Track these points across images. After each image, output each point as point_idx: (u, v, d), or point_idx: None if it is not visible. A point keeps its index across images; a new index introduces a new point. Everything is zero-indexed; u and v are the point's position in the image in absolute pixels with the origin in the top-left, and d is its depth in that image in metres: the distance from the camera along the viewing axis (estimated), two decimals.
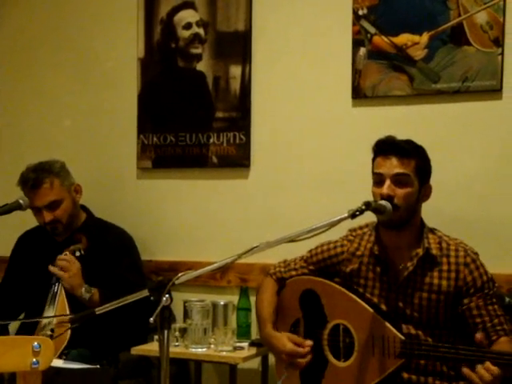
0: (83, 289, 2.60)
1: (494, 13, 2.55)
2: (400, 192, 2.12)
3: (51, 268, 2.62)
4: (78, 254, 2.66)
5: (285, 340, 2.22)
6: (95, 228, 2.82)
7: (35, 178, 2.70)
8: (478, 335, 1.97)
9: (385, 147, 2.18)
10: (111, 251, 2.76)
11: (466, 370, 1.94)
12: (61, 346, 2.51)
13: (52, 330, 2.51)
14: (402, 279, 2.17)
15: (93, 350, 2.58)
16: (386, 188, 2.12)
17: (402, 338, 2.08)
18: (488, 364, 1.91)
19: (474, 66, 2.56)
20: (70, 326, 2.41)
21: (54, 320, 2.54)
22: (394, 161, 2.14)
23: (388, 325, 2.11)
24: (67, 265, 2.60)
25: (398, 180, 2.13)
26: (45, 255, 2.75)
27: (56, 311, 2.57)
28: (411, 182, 2.14)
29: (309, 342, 2.20)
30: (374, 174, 2.19)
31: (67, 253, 2.65)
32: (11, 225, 2.94)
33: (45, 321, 2.56)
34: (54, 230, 2.75)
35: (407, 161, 2.14)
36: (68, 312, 2.55)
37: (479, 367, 1.92)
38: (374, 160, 2.21)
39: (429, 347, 2.04)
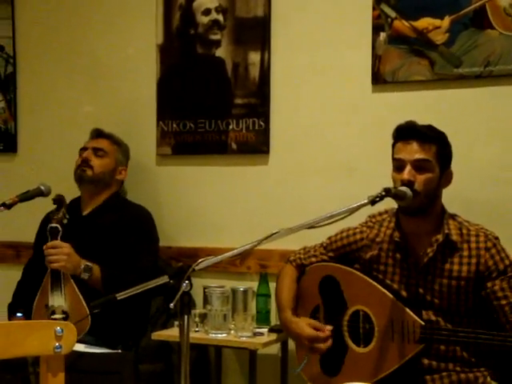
0: (82, 267, 2.61)
1: None
2: (420, 178, 2.11)
3: (47, 265, 2.60)
4: (65, 221, 2.63)
5: (304, 325, 2.22)
6: (119, 203, 2.88)
7: (106, 133, 2.95)
8: None
9: (405, 132, 2.16)
10: (128, 225, 2.79)
11: None
12: (80, 333, 2.53)
13: (64, 313, 2.53)
14: (422, 265, 2.16)
15: (104, 333, 2.60)
16: (407, 173, 2.10)
17: (422, 323, 2.08)
18: None
19: (497, 49, 2.52)
20: (90, 312, 2.44)
21: (64, 304, 2.56)
22: (414, 146, 2.12)
23: (408, 310, 2.11)
24: (56, 252, 2.60)
25: (419, 165, 2.11)
26: (68, 231, 2.77)
27: (65, 295, 2.58)
28: (432, 167, 2.13)
29: (329, 327, 2.20)
30: (394, 159, 2.17)
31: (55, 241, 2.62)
32: (36, 211, 2.97)
33: (50, 303, 2.57)
34: (83, 172, 2.83)
35: (428, 146, 2.12)
36: (79, 294, 2.57)
37: None
38: (394, 145, 2.20)
39: (448, 332, 2.04)
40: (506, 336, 1.95)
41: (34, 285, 2.81)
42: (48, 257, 2.61)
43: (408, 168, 2.11)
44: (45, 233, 2.83)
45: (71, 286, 2.60)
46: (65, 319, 2.47)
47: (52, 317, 2.52)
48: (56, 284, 2.59)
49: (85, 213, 2.86)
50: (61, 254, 2.60)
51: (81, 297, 2.55)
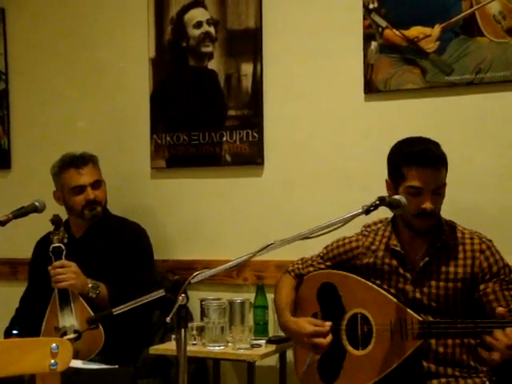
0: (90, 286, 2.60)
1: (506, 2, 2.52)
2: (439, 202, 2.16)
3: (55, 285, 2.59)
4: (65, 240, 2.62)
5: (304, 323, 2.23)
6: (111, 222, 2.85)
7: (82, 157, 2.80)
8: (500, 309, 1.98)
9: (420, 159, 2.13)
10: (123, 244, 2.77)
11: (488, 338, 1.95)
12: (94, 351, 2.52)
13: (76, 332, 2.51)
14: (418, 270, 2.18)
15: (109, 349, 2.59)
16: (430, 203, 2.12)
17: (420, 318, 2.09)
18: (509, 330, 1.92)
19: (488, 57, 2.54)
20: (88, 327, 2.42)
21: (75, 322, 2.55)
22: (431, 174, 2.13)
23: (406, 308, 2.11)
24: (65, 271, 2.59)
25: (437, 192, 2.15)
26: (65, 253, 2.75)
27: (76, 313, 2.57)
28: (444, 188, 2.18)
29: (328, 323, 2.20)
30: (409, 186, 2.13)
31: (62, 261, 2.60)
32: (31, 228, 2.96)
33: (61, 324, 2.56)
34: (93, 211, 2.76)
35: (441, 170, 2.16)
36: (90, 311, 2.55)
37: (499, 332, 1.93)
38: (403, 167, 2.15)
39: (447, 324, 2.05)
40: (503, 322, 1.96)
41: (34, 312, 2.76)
42: (56, 276, 2.58)
43: (429, 197, 2.13)
44: (41, 259, 2.80)
45: (81, 303, 2.58)
46: (77, 339, 2.45)
47: (64, 338, 2.49)
48: (65, 304, 2.57)
49: (77, 235, 2.82)
50: (69, 272, 2.58)
51: (92, 314, 2.52)
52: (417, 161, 2.14)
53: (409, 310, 2.10)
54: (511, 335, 1.92)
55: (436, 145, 2.18)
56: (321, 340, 2.18)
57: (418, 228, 2.18)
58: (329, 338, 2.18)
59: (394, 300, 2.14)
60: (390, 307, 2.13)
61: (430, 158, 2.13)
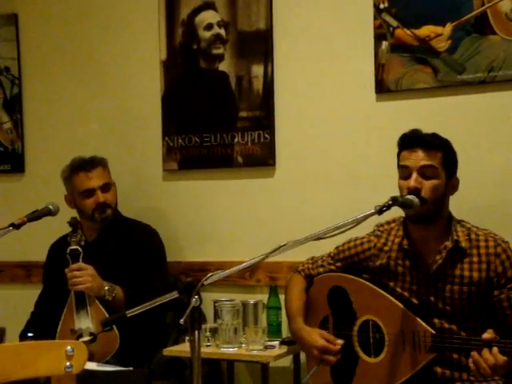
0: (106, 288, 2.62)
1: None
2: (427, 184, 2.11)
3: (71, 288, 2.60)
4: (82, 243, 2.65)
5: (316, 335, 2.22)
6: (122, 225, 2.86)
7: (91, 161, 2.82)
8: (487, 335, 1.94)
9: (410, 140, 2.16)
10: (135, 246, 2.78)
11: (474, 354, 1.93)
12: (109, 354, 2.54)
13: (92, 334, 2.53)
14: (431, 273, 2.16)
15: (123, 351, 2.60)
16: (414, 181, 2.10)
17: (433, 331, 2.06)
18: (495, 350, 1.90)
19: (500, 55, 2.52)
20: (103, 329, 2.43)
21: (91, 325, 2.56)
22: (420, 153, 2.12)
23: (418, 319, 2.09)
24: (82, 274, 2.60)
25: (425, 172, 2.12)
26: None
27: (92, 316, 2.58)
28: (438, 174, 2.13)
29: (340, 341, 2.19)
30: (400, 167, 2.18)
31: (80, 264, 2.62)
32: (45, 230, 2.98)
33: (77, 326, 2.58)
34: (103, 214, 2.78)
35: (433, 153, 2.13)
36: (106, 314, 2.57)
37: (486, 351, 1.91)
38: (399, 154, 2.20)
39: (460, 340, 2.02)
40: None
41: (49, 315, 2.78)
42: (73, 279, 2.60)
43: (414, 175, 2.11)
44: (56, 262, 2.82)
45: (97, 306, 2.59)
46: (92, 341, 2.46)
47: (80, 340, 2.50)
48: (81, 306, 2.59)
49: (90, 239, 2.83)
50: (86, 275, 2.60)
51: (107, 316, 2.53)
52: (405, 143, 2.17)
53: (421, 322, 2.08)
54: (497, 355, 1.89)
55: (432, 133, 2.16)
56: (329, 357, 2.18)
57: (409, 215, 2.15)
58: (338, 356, 2.17)
59: (407, 310, 2.11)
60: (402, 317, 2.11)
61: (417, 139, 2.14)
